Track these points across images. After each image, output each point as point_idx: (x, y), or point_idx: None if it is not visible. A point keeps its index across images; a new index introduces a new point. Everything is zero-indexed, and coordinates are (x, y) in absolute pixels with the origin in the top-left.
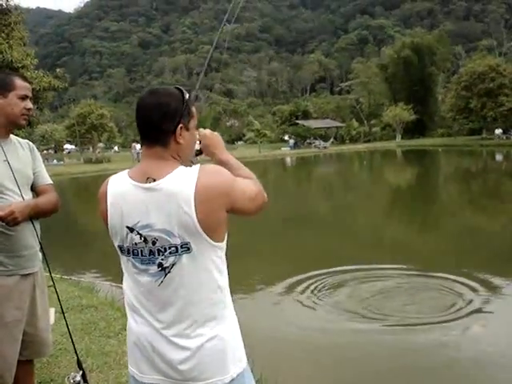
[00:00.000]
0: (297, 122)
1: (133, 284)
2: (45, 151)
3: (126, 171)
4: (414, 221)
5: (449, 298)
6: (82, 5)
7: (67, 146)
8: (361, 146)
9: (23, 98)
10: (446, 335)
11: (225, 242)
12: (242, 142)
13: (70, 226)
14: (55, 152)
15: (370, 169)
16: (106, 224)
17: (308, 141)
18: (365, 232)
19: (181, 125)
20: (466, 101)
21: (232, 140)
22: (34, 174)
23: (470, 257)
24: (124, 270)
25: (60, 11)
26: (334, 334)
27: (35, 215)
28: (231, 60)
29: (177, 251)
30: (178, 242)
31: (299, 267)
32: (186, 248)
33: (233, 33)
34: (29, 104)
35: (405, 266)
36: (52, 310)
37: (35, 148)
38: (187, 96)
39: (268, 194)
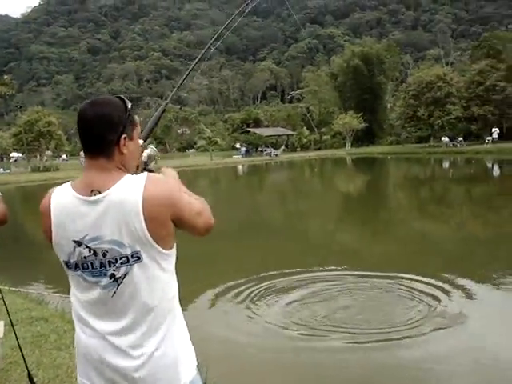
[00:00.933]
0: (248, 129)
1: (82, 297)
2: None
3: (70, 183)
4: (364, 226)
5: (400, 305)
6: (30, 10)
7: (14, 154)
8: (311, 154)
9: None
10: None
11: (174, 249)
12: (193, 150)
13: (17, 237)
14: (1, 160)
15: (321, 176)
16: (50, 239)
17: (259, 148)
18: (316, 238)
19: (124, 135)
20: (414, 109)
21: (183, 148)
22: None
23: (419, 260)
24: (72, 284)
25: (6, 16)
26: (282, 340)
27: None
28: (182, 67)
29: (128, 261)
30: (128, 252)
31: (251, 273)
32: (137, 257)
33: (184, 40)
34: None
35: (351, 272)
36: (1, 323)
37: None
38: (129, 105)
39: (220, 201)
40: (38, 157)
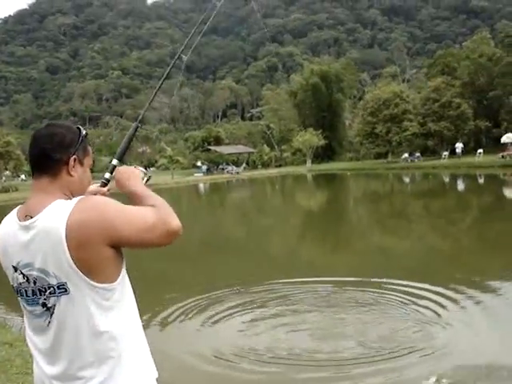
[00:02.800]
0: (209, 147)
1: (27, 327)
2: None
3: (18, 207)
4: (325, 241)
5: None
6: None
7: None
8: (272, 171)
9: None
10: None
11: (118, 281)
12: (154, 169)
13: None
14: None
15: (282, 193)
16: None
17: (221, 166)
18: (278, 253)
19: (74, 156)
20: (372, 126)
21: (144, 166)
22: None
23: (378, 270)
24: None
25: None
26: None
27: None
28: (142, 86)
29: (55, 292)
30: (54, 282)
31: (210, 291)
32: (64, 289)
33: (143, 59)
34: None
35: (319, 283)
36: None
37: None
38: (84, 132)
39: (181, 220)
40: None
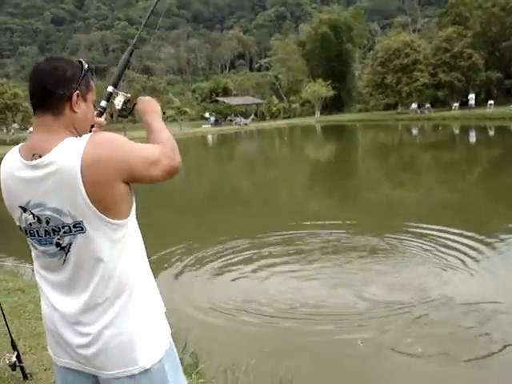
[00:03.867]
0: (217, 99)
1: (38, 266)
2: None
3: (18, 146)
4: (333, 192)
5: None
6: None
7: None
8: (281, 122)
9: None
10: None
11: (130, 217)
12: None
13: None
14: None
15: (291, 144)
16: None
17: (229, 118)
18: (286, 204)
19: (77, 91)
20: (382, 76)
21: None
22: None
23: (388, 222)
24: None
25: None
26: (261, 305)
27: None
28: (148, 36)
29: (70, 231)
30: (69, 221)
31: (221, 242)
32: (80, 228)
33: (149, 8)
34: None
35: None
36: None
37: None
38: (86, 66)
39: (190, 171)
40: (5, 130)
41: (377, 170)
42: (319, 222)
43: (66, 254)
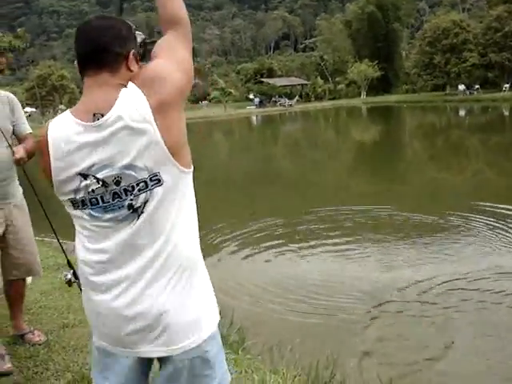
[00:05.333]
0: (262, 80)
1: (94, 239)
2: None
3: (68, 110)
4: (379, 174)
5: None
6: None
7: (27, 109)
8: (326, 104)
9: None
10: None
11: (192, 169)
12: (206, 102)
13: (35, 189)
14: None
15: (336, 126)
16: (50, 178)
17: (273, 99)
18: (331, 185)
19: (133, 50)
20: (430, 57)
21: (197, 99)
22: (13, 125)
23: (436, 203)
24: (79, 231)
25: None
26: (307, 285)
27: (28, 157)
28: (193, 18)
29: (146, 186)
30: (145, 175)
31: (265, 221)
32: (157, 180)
33: None
34: None
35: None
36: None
37: (14, 100)
38: (134, 27)
39: (234, 152)
40: (52, 111)
41: (424, 151)
42: (364, 202)
43: (139, 215)
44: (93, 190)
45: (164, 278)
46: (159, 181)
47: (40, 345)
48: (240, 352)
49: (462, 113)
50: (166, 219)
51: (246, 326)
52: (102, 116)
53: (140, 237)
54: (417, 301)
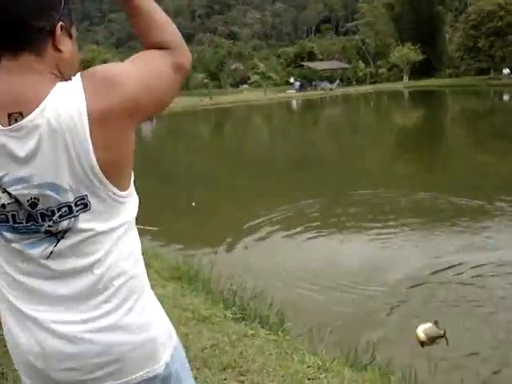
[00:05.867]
0: (302, 63)
1: (8, 268)
2: None
3: None
4: (423, 160)
5: None
6: None
7: None
8: (367, 87)
9: None
10: None
11: (132, 189)
12: (246, 86)
13: None
14: None
15: (377, 110)
16: None
17: (314, 83)
18: (373, 170)
19: (61, 23)
20: (474, 40)
21: (237, 83)
22: None
23: (480, 188)
24: None
25: None
26: (348, 269)
27: None
28: (234, 1)
29: (70, 212)
30: (70, 198)
31: (305, 204)
32: (83, 205)
33: None
34: None
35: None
36: None
37: None
38: None
39: (274, 136)
40: None
41: (467, 136)
42: (406, 187)
43: (58, 240)
44: (3, 205)
45: (105, 305)
46: (86, 205)
47: None
48: (280, 333)
49: (506, 97)
50: (94, 248)
51: (286, 308)
52: (22, 116)
53: (60, 267)
54: (464, 283)
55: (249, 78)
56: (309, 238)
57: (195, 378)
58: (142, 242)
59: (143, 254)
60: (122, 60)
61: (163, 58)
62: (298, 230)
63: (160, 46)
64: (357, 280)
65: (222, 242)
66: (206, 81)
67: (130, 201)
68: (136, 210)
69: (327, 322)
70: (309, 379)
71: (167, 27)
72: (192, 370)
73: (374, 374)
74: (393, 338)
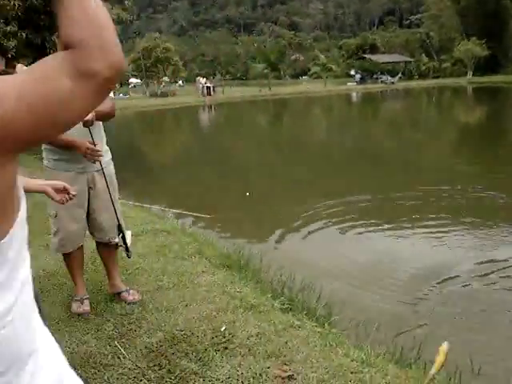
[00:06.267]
0: (364, 56)
1: None
2: None
3: None
4: (483, 158)
5: None
6: None
7: (132, 80)
8: (430, 82)
9: None
10: None
11: (11, 236)
12: (306, 77)
13: (136, 158)
14: (121, 86)
15: (440, 106)
16: None
17: (375, 76)
18: (433, 166)
19: None
20: None
21: (297, 74)
22: None
23: None
24: None
25: None
26: (401, 264)
27: (99, 118)
28: None
29: None
30: None
31: (359, 198)
32: None
33: None
34: None
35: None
36: (129, 232)
37: None
38: None
39: (332, 129)
40: (156, 83)
41: None
42: (465, 184)
43: None
44: None
45: None
46: None
47: (135, 303)
48: (326, 326)
49: None
50: None
51: (334, 301)
52: None
53: None
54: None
55: (309, 70)
56: (361, 233)
57: (239, 365)
58: (195, 229)
59: (196, 241)
60: (181, 49)
61: (59, 64)
62: (351, 224)
63: (67, 47)
64: (407, 277)
65: (274, 232)
66: (265, 71)
67: (4, 253)
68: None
69: (374, 318)
70: (352, 373)
71: (82, 22)
72: (236, 356)
73: (419, 372)
74: (439, 337)
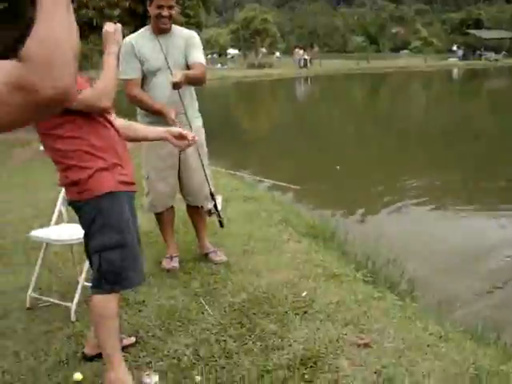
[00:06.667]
0: (467, 31)
1: None
2: (209, 55)
3: None
4: None
5: None
6: None
7: (231, 51)
8: None
9: (159, 6)
10: None
11: None
12: (406, 51)
13: (231, 127)
14: (219, 57)
15: None
16: None
17: (478, 52)
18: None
19: None
20: None
21: (397, 48)
22: (186, 56)
23: None
24: None
25: None
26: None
27: (189, 82)
28: None
29: None
30: None
31: (453, 180)
32: None
33: None
34: (163, 12)
35: None
36: (219, 197)
37: (195, 37)
38: None
39: (430, 106)
40: (254, 54)
41: None
42: None
43: None
44: None
45: None
46: None
47: (221, 264)
48: (407, 299)
49: None
50: None
51: (417, 277)
52: None
53: None
54: None
55: (409, 44)
56: (449, 212)
57: (317, 329)
58: (283, 199)
59: (283, 209)
60: (280, 20)
61: (3, 71)
62: (439, 203)
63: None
64: (495, 263)
65: (361, 207)
66: (364, 44)
67: None
68: None
69: (456, 299)
70: (428, 346)
71: (40, 37)
72: (315, 321)
73: (498, 351)
74: None
